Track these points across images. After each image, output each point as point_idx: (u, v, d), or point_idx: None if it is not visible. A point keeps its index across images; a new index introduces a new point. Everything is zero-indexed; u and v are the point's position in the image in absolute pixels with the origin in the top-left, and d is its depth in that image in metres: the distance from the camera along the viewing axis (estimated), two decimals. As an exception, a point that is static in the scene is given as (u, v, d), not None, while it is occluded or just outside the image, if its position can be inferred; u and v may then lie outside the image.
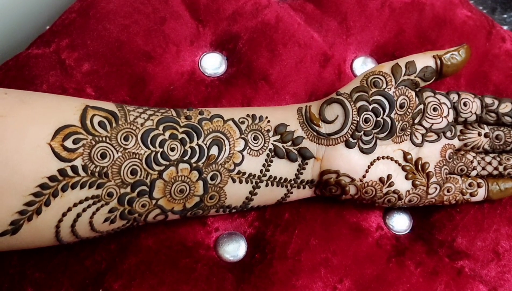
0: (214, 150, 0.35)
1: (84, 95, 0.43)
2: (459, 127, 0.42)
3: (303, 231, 0.41)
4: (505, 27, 0.55)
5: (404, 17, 0.51)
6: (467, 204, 0.43)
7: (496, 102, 0.42)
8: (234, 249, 0.40)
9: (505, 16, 0.70)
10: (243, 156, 0.36)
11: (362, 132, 0.37)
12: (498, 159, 0.43)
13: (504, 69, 0.50)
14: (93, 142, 0.31)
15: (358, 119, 0.37)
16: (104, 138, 0.32)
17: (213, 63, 0.47)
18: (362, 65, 0.49)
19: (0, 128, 0.29)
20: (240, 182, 0.36)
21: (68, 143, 0.30)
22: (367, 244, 0.41)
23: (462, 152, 0.42)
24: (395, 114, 0.38)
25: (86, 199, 0.31)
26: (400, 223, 0.43)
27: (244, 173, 0.36)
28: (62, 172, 0.30)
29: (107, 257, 0.38)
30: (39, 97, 0.33)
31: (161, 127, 0.34)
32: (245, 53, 0.47)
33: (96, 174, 0.31)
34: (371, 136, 0.38)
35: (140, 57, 0.45)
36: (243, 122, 0.37)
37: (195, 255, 0.39)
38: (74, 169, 0.30)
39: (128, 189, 0.32)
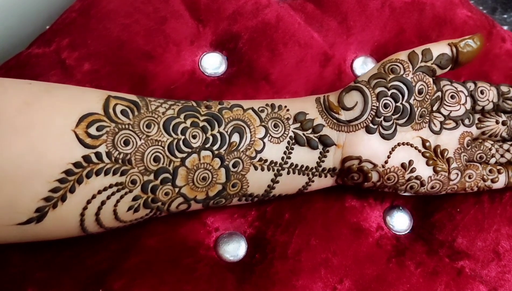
0: (236, 137, 0.35)
1: (85, 95, 0.43)
2: (477, 115, 0.42)
3: (304, 231, 0.41)
4: (505, 27, 0.55)
5: (404, 17, 0.51)
6: (468, 203, 0.43)
7: None
8: (234, 249, 0.40)
9: (505, 16, 0.70)
10: (264, 143, 0.36)
11: (382, 118, 0.37)
12: None
13: (505, 69, 0.50)
14: (116, 130, 0.31)
15: (377, 105, 0.37)
16: (127, 126, 0.32)
17: (213, 63, 0.47)
18: (363, 65, 0.49)
19: (27, 116, 0.30)
20: (262, 169, 0.36)
21: (92, 130, 0.31)
22: (367, 244, 0.41)
23: (480, 140, 0.43)
24: (414, 100, 0.38)
25: (110, 186, 0.31)
26: (401, 223, 0.43)
27: (266, 160, 0.36)
28: (86, 158, 0.30)
29: (108, 257, 0.38)
30: (62, 88, 0.33)
31: (182, 116, 0.34)
32: (245, 52, 0.47)
33: (120, 161, 0.31)
34: (391, 122, 0.38)
35: (141, 57, 0.45)
36: (262, 111, 0.37)
37: (196, 255, 0.39)
38: (98, 155, 0.31)
39: (152, 176, 0.32)
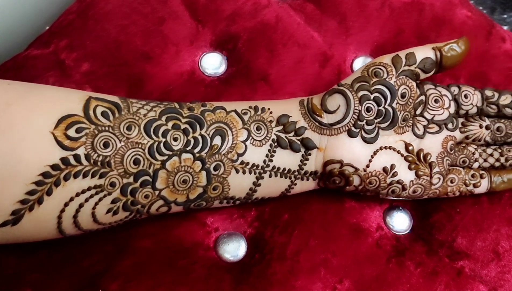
0: (217, 140, 0.35)
1: (83, 96, 0.43)
2: (461, 120, 0.42)
3: (302, 232, 0.41)
4: (504, 27, 0.55)
5: (403, 17, 0.51)
6: (467, 204, 0.43)
7: (497, 95, 0.42)
8: (235, 249, 0.40)
9: (504, 16, 0.70)
10: (246, 146, 0.36)
11: (364, 121, 0.37)
12: (500, 150, 0.43)
13: (503, 70, 0.50)
14: (96, 132, 0.31)
15: (360, 109, 0.37)
16: (107, 128, 0.32)
17: (213, 63, 0.47)
18: (362, 65, 0.49)
19: (7, 116, 0.29)
20: (244, 172, 0.36)
21: (71, 132, 0.30)
22: (367, 244, 0.41)
23: (464, 144, 0.43)
24: (396, 104, 0.38)
25: (89, 188, 0.31)
26: (400, 223, 0.43)
27: (248, 163, 0.36)
28: (64, 160, 0.30)
29: (104, 258, 0.38)
30: (43, 88, 0.33)
31: (164, 118, 0.34)
32: (244, 53, 0.47)
33: (99, 163, 0.31)
34: (373, 125, 0.38)
35: (139, 58, 0.45)
36: (245, 113, 0.37)
37: (192, 255, 0.39)
38: (76, 157, 0.30)
39: (131, 179, 0.32)
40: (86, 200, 0.31)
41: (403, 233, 0.43)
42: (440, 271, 0.41)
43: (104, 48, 0.45)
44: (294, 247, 0.40)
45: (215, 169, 0.35)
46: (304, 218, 0.41)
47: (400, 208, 0.44)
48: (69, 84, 0.43)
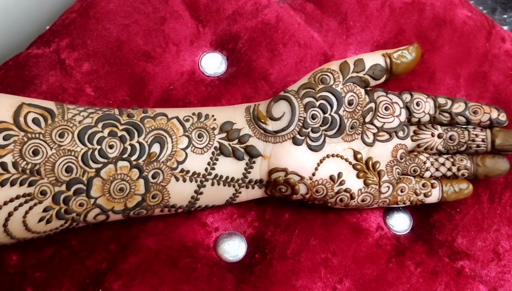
0: (156, 148, 0.34)
1: (84, 95, 0.43)
2: (413, 128, 0.42)
3: (303, 231, 0.41)
4: (505, 27, 0.55)
5: (404, 17, 0.51)
6: (467, 204, 0.43)
7: (450, 102, 0.42)
8: (234, 249, 0.40)
9: (505, 16, 0.70)
10: (186, 154, 0.35)
11: (310, 129, 0.37)
12: (452, 159, 0.42)
13: (504, 70, 0.50)
14: (25, 139, 0.31)
15: (305, 116, 0.37)
16: (37, 135, 0.31)
17: (213, 63, 0.47)
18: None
19: None
20: (184, 180, 0.35)
21: None
22: (367, 244, 0.41)
23: (415, 153, 0.42)
24: (343, 111, 0.37)
25: (17, 197, 0.31)
26: (400, 223, 0.43)
27: (188, 171, 0.35)
28: None
29: (107, 256, 0.38)
30: None
31: (100, 125, 0.33)
32: (245, 53, 0.47)
33: (28, 171, 0.31)
34: (319, 133, 0.37)
35: (140, 57, 0.45)
36: (187, 120, 0.36)
37: (195, 255, 0.39)
38: (3, 165, 0.30)
39: (63, 187, 0.32)
40: (15, 209, 0.31)
41: (403, 233, 0.43)
42: (440, 271, 0.41)
43: (105, 47, 0.45)
44: (295, 246, 0.40)
45: (154, 177, 0.34)
46: (305, 217, 0.42)
47: (400, 208, 0.44)
48: (69, 84, 0.43)
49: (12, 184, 0.30)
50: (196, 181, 0.35)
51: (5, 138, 0.30)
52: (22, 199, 0.31)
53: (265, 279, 0.39)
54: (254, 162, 0.37)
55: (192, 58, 0.47)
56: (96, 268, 0.38)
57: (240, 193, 0.38)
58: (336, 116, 0.37)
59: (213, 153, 0.36)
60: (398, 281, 0.40)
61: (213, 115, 0.37)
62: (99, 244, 0.39)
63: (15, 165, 0.30)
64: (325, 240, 0.41)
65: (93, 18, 0.46)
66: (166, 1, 0.48)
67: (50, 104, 0.33)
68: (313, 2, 0.51)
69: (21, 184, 0.31)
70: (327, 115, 0.37)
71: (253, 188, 0.38)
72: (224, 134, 0.36)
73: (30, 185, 0.31)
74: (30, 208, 0.31)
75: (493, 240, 0.42)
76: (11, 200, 0.31)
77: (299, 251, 0.40)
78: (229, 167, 0.36)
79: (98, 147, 0.33)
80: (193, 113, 0.37)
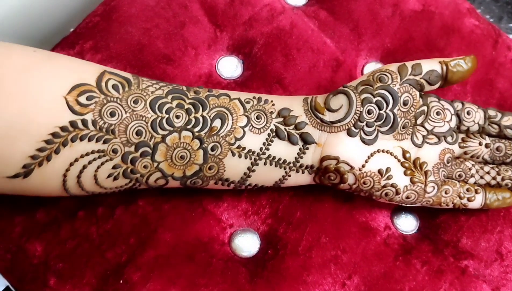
0: (217, 123, 0.36)
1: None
2: (461, 135, 0.42)
3: (314, 229, 0.42)
4: (511, 36, 0.56)
5: (413, 25, 0.52)
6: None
7: (500, 115, 0.43)
8: (248, 245, 0.41)
9: (511, 25, 0.71)
10: (244, 132, 0.37)
11: (365, 123, 0.38)
12: (497, 169, 0.43)
13: (510, 77, 0.51)
14: (105, 101, 0.33)
15: (361, 110, 0.38)
16: (115, 99, 0.34)
17: (229, 67, 0.48)
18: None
19: (26, 80, 0.32)
20: (240, 156, 0.37)
21: (82, 99, 0.33)
22: (375, 242, 0.42)
23: (462, 159, 0.43)
24: (398, 110, 0.39)
25: (93, 152, 0.33)
26: (407, 223, 0.44)
27: (244, 148, 0.37)
28: (73, 123, 0.32)
29: (127, 250, 0.40)
30: (64, 58, 0.35)
31: (169, 97, 0.36)
32: (260, 57, 0.48)
33: (104, 130, 0.33)
34: (373, 128, 0.38)
35: (161, 60, 0.46)
36: (248, 102, 0.38)
37: (210, 250, 0.41)
38: (84, 122, 0.32)
39: (132, 148, 0.34)
40: (90, 162, 0.33)
41: (410, 233, 0.44)
42: (445, 269, 0.42)
43: (127, 50, 0.46)
44: (307, 243, 0.41)
45: (212, 149, 0.36)
46: (316, 216, 0.43)
47: (408, 210, 0.45)
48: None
49: (90, 140, 0.33)
50: (250, 158, 0.37)
51: (88, 98, 0.33)
52: (96, 154, 0.33)
53: (277, 274, 0.40)
54: (307, 148, 0.38)
55: (209, 61, 0.48)
56: (116, 260, 0.39)
57: (289, 176, 0.39)
58: (391, 113, 0.38)
59: (268, 135, 0.37)
60: (405, 278, 0.41)
61: (272, 101, 0.39)
62: (119, 238, 0.40)
63: (94, 122, 0.33)
64: (335, 238, 0.42)
65: (116, 21, 0.47)
66: (185, 7, 0.49)
67: (128, 75, 0.36)
68: (326, 10, 0.52)
69: (97, 141, 0.33)
70: (382, 112, 0.38)
71: (303, 172, 0.39)
72: (281, 119, 0.38)
73: (104, 142, 0.33)
74: (102, 164, 0.34)
75: (496, 241, 0.43)
76: (87, 154, 0.33)
77: (310, 247, 0.41)
78: (283, 150, 0.38)
79: (166, 116, 0.35)
80: (254, 97, 0.39)
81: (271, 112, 0.38)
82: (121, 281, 0.39)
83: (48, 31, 0.56)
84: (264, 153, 0.37)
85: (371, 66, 0.51)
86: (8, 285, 0.40)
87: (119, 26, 0.47)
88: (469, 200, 0.42)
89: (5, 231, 0.40)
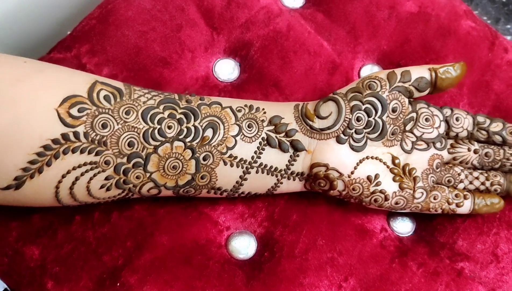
0: (209, 132, 0.37)
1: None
2: (450, 141, 0.43)
3: (311, 232, 0.42)
4: (508, 37, 0.56)
5: (410, 27, 0.52)
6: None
7: (488, 121, 0.43)
8: (245, 247, 0.42)
9: (508, 26, 0.71)
10: (236, 141, 0.37)
11: (354, 130, 0.38)
12: (486, 175, 0.44)
13: (506, 79, 0.51)
14: (97, 113, 0.34)
15: (350, 117, 0.38)
16: (107, 110, 0.34)
17: (226, 69, 0.48)
18: (369, 73, 0.50)
19: (16, 92, 0.32)
20: (231, 165, 0.37)
21: (74, 111, 0.33)
22: (371, 244, 0.43)
23: (451, 165, 0.43)
24: (387, 117, 0.39)
25: (85, 163, 0.34)
26: (404, 225, 0.45)
27: (236, 157, 0.37)
28: (65, 136, 0.33)
29: (123, 253, 0.40)
30: (55, 69, 0.36)
31: (161, 107, 0.36)
32: (257, 60, 0.48)
33: (96, 142, 0.33)
34: (362, 135, 0.39)
35: (157, 63, 0.46)
36: (239, 111, 0.38)
37: (207, 252, 0.41)
38: (76, 134, 0.33)
39: (125, 159, 0.34)
40: (82, 174, 0.34)
41: (406, 235, 0.44)
42: (441, 271, 0.42)
43: (124, 53, 0.46)
44: (303, 245, 0.41)
45: (204, 158, 0.36)
46: (312, 218, 0.43)
47: (404, 212, 0.44)
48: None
49: (82, 152, 0.33)
50: (242, 167, 0.38)
51: (79, 110, 0.33)
52: (89, 166, 0.34)
53: (274, 276, 0.40)
54: (298, 155, 0.39)
55: (206, 64, 0.48)
56: (113, 263, 0.39)
57: (281, 183, 0.40)
58: (380, 121, 0.39)
59: (260, 143, 0.38)
60: (401, 280, 0.41)
61: (263, 109, 0.39)
62: (116, 241, 0.40)
63: (86, 135, 0.33)
64: (332, 240, 0.42)
65: (112, 25, 0.47)
66: (182, 9, 0.49)
67: (119, 84, 0.36)
68: (322, 12, 0.52)
69: (89, 153, 0.33)
70: (371, 119, 0.39)
71: (294, 179, 0.40)
72: (272, 127, 0.39)
73: (96, 154, 0.34)
74: (94, 175, 0.34)
75: (492, 243, 0.43)
76: (79, 166, 0.34)
77: (306, 250, 0.41)
78: (274, 158, 0.38)
79: (158, 127, 0.35)
80: (245, 105, 0.39)
81: (263, 121, 0.39)
82: (118, 284, 0.39)
83: (45, 34, 0.56)
84: (255, 161, 0.38)
85: (368, 69, 0.51)
86: (6, 288, 0.40)
87: (115, 29, 0.47)
88: (457, 205, 0.42)
89: (1, 235, 0.40)
